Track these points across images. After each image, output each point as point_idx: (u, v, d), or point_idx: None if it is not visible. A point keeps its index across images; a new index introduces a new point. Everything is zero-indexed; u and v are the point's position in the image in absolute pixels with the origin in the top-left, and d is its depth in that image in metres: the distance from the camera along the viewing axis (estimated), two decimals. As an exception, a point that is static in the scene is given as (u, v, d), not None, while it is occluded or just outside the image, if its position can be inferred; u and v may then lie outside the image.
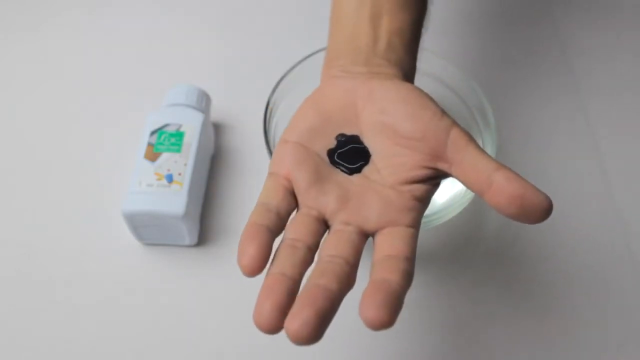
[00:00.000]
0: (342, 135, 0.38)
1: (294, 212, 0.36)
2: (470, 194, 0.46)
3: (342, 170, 0.37)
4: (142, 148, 0.51)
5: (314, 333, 0.28)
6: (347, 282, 0.31)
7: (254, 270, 0.31)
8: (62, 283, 0.50)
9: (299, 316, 0.28)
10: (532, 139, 0.58)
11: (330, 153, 0.37)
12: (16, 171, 0.56)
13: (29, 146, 0.58)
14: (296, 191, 0.36)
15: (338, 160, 0.37)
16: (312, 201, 0.35)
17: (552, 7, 0.67)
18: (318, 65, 0.45)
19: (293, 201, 0.36)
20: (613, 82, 0.62)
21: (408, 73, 0.41)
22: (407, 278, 0.31)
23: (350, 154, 0.37)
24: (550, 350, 0.47)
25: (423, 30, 0.44)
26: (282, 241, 0.33)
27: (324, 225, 0.35)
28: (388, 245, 0.33)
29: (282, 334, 0.30)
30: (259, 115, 0.50)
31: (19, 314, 0.49)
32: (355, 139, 0.38)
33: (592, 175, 0.56)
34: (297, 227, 0.34)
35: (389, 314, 0.28)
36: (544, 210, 0.31)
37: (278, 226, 0.34)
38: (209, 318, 0.49)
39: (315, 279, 0.31)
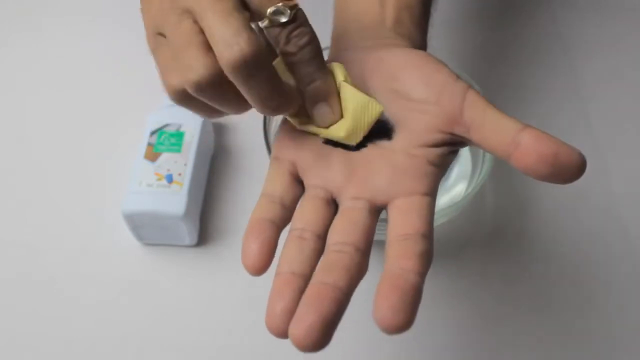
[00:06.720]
0: None
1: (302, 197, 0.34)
2: (470, 195, 0.46)
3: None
4: (142, 148, 0.51)
5: (321, 340, 0.26)
6: (358, 272, 0.29)
7: (258, 269, 0.29)
8: (62, 283, 0.50)
9: (304, 322, 0.26)
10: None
11: None
12: (16, 171, 0.56)
13: (29, 146, 0.58)
14: (300, 172, 0.34)
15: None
16: (318, 178, 0.33)
17: (553, 5, 0.67)
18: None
19: (299, 187, 0.34)
20: (614, 81, 0.62)
21: (418, 47, 0.39)
22: (426, 260, 0.29)
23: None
24: (551, 350, 0.47)
25: (432, 9, 0.42)
26: (290, 232, 0.31)
27: (333, 205, 0.33)
28: (402, 221, 0.31)
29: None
30: (259, 115, 0.49)
31: (19, 313, 0.49)
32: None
33: (593, 174, 0.55)
34: (305, 213, 0.32)
35: (406, 317, 0.26)
36: (579, 168, 0.29)
37: (284, 218, 0.32)
38: (208, 318, 0.49)
39: (323, 275, 0.28)
